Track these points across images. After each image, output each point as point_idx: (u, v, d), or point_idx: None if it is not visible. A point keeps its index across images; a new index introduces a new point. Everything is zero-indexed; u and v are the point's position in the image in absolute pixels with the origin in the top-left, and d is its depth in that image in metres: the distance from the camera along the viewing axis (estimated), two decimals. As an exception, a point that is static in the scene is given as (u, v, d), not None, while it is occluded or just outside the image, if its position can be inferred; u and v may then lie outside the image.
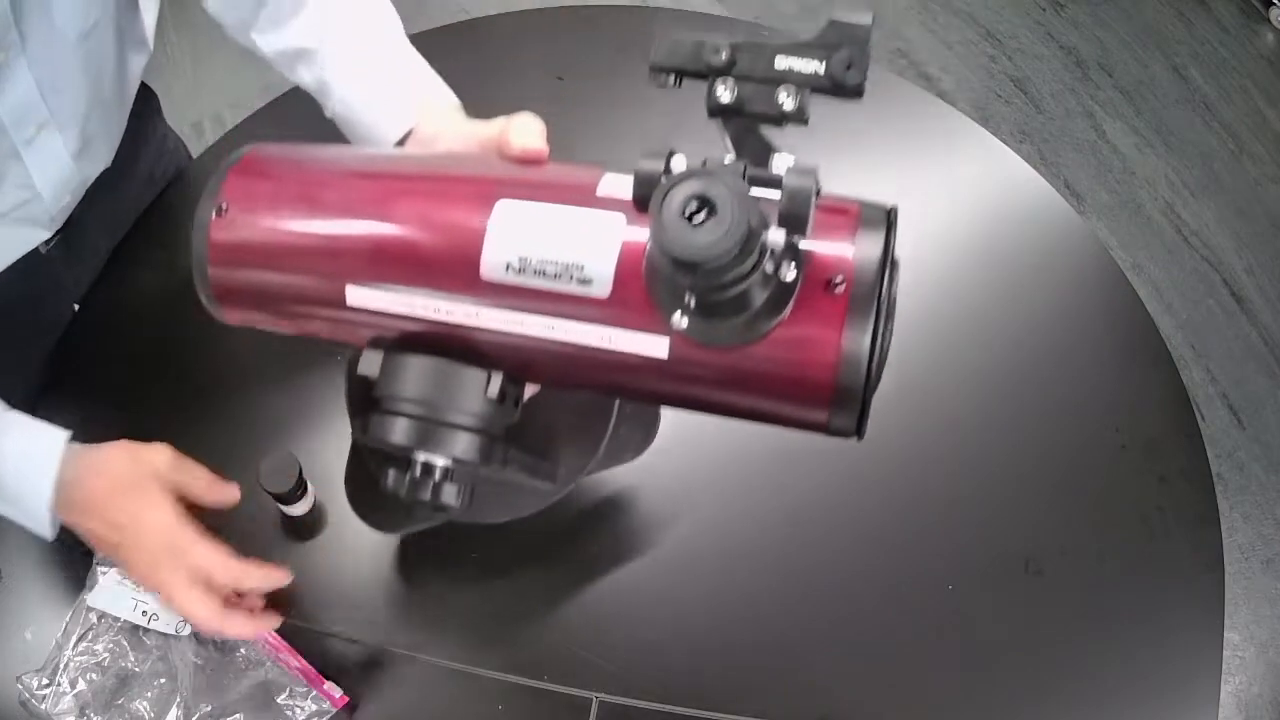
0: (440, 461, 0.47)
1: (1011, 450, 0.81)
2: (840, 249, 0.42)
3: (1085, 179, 1.97)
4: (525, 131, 0.54)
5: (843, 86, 0.39)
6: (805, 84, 0.39)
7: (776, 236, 0.38)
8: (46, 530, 0.67)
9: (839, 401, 0.42)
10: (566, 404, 0.60)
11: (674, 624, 0.75)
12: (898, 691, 0.72)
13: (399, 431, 0.47)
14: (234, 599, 0.67)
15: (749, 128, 0.41)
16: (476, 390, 0.46)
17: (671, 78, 0.42)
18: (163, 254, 0.95)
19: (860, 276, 0.41)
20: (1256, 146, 2.01)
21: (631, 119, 1.02)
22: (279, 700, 0.69)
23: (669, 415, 0.80)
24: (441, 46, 1.09)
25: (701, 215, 0.36)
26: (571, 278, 0.43)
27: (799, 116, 0.39)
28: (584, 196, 0.46)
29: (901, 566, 0.76)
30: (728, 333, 0.42)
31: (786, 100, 0.39)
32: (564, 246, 0.44)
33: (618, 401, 0.62)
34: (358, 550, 0.76)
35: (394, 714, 0.72)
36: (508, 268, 0.44)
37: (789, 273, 0.41)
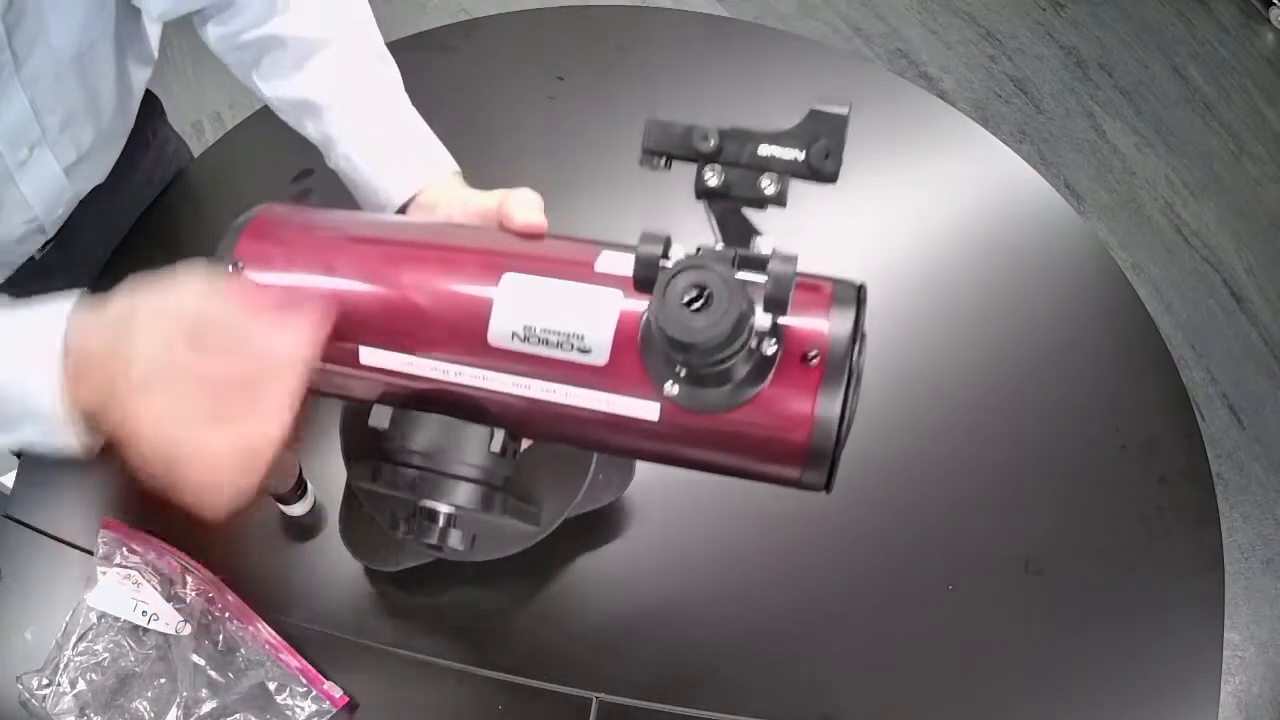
0: (444, 509, 0.51)
1: (1011, 450, 0.81)
2: (815, 324, 0.46)
3: (1085, 179, 1.97)
4: (525, 206, 0.57)
5: (820, 173, 0.43)
6: (786, 170, 0.43)
7: (762, 320, 0.43)
8: (70, 439, 0.52)
9: (812, 461, 0.47)
10: (549, 453, 0.65)
11: (674, 624, 0.75)
12: (898, 691, 0.72)
13: (408, 482, 0.51)
14: None
15: (733, 209, 0.45)
16: (480, 445, 0.51)
17: (662, 161, 0.45)
18: (162, 255, 0.95)
19: (834, 350, 0.46)
20: (1256, 146, 2.01)
21: (631, 119, 1.02)
22: (279, 700, 0.70)
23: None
24: (441, 46, 1.09)
25: (699, 303, 0.40)
26: (572, 346, 0.47)
27: (779, 200, 0.44)
28: (584, 272, 0.50)
29: (901, 566, 0.76)
30: (713, 400, 0.46)
31: (769, 186, 0.43)
32: (566, 318, 0.48)
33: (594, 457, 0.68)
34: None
35: (394, 714, 0.72)
36: (513, 336, 0.48)
37: (770, 347, 0.45)
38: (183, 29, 0.83)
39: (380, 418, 0.52)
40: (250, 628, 0.72)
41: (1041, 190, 0.96)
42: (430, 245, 0.55)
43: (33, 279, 0.83)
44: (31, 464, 0.82)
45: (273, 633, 0.72)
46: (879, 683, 0.72)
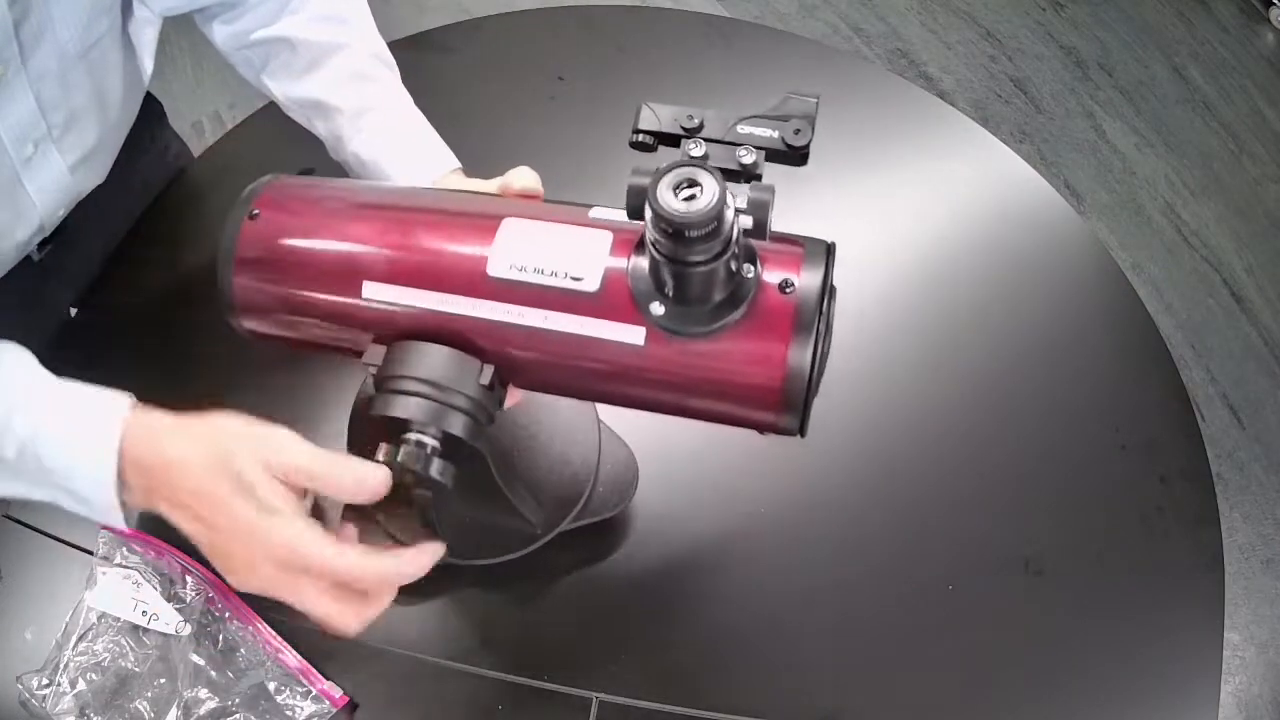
0: (431, 440, 0.52)
1: (1011, 450, 0.81)
2: (791, 263, 0.51)
3: (1085, 179, 1.97)
4: (524, 176, 0.62)
5: (792, 148, 0.48)
6: (762, 145, 0.48)
7: (744, 221, 0.47)
8: (122, 525, 0.57)
9: (789, 391, 0.50)
10: (552, 463, 0.72)
11: (674, 624, 0.75)
12: (898, 691, 0.72)
13: (399, 407, 0.52)
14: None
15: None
16: (471, 375, 0.53)
17: (650, 139, 0.50)
18: (163, 254, 0.95)
19: (807, 282, 0.50)
20: (1256, 146, 2.01)
21: (631, 120, 1.02)
22: (279, 700, 0.70)
23: (667, 423, 0.80)
24: (441, 46, 1.09)
25: (689, 190, 0.45)
26: (565, 275, 0.51)
27: (754, 172, 0.48)
28: (578, 218, 0.54)
29: (901, 567, 0.76)
30: (695, 321, 0.50)
31: (745, 156, 0.48)
32: (558, 251, 0.52)
33: (599, 459, 0.73)
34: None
35: (394, 714, 0.72)
36: (511, 267, 0.52)
37: (749, 271, 0.50)
38: (183, 28, 0.83)
39: (374, 355, 0.54)
40: (250, 628, 0.72)
41: (1041, 190, 0.96)
42: (437, 197, 0.60)
43: (30, 279, 0.83)
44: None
45: (273, 633, 0.72)
46: (879, 683, 0.72)
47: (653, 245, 0.47)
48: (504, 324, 0.52)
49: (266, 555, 0.51)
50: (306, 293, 0.56)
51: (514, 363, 0.54)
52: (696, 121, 0.49)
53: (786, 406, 0.51)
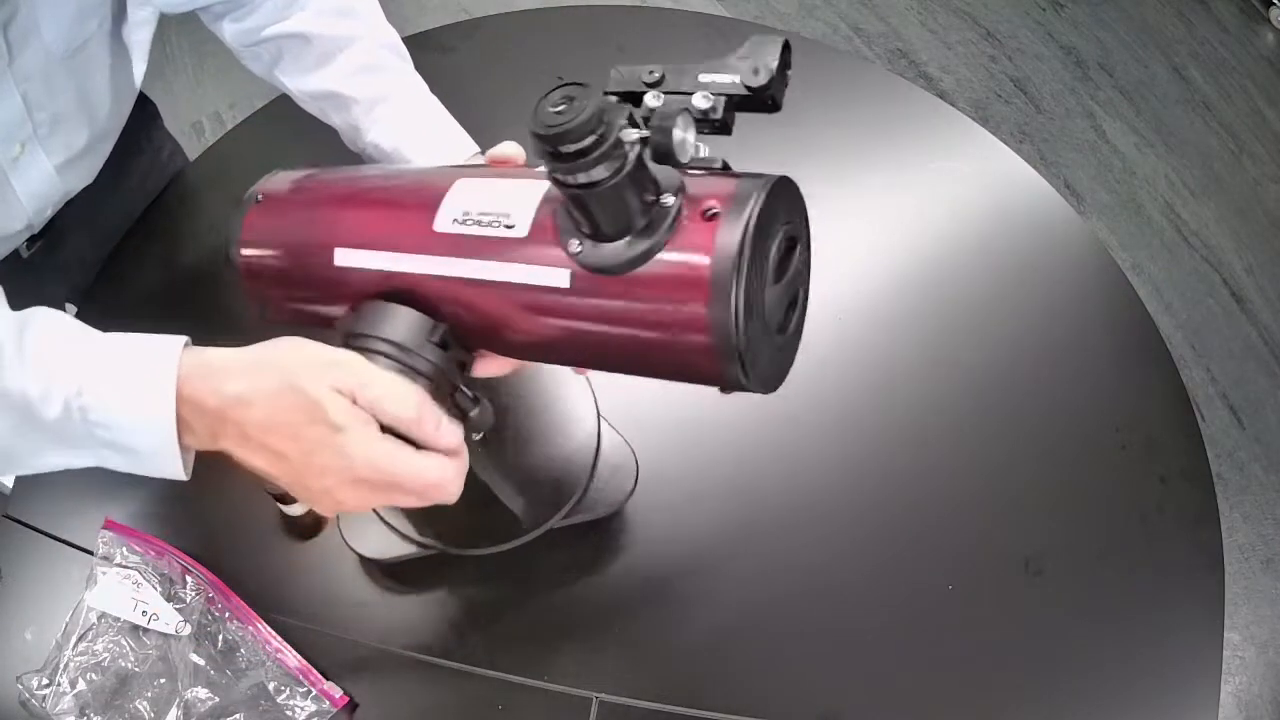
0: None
1: (1011, 450, 0.81)
2: (722, 192, 0.47)
3: (1085, 179, 1.97)
4: (507, 146, 0.62)
5: (751, 89, 0.45)
6: (723, 91, 0.46)
7: (630, 135, 0.44)
8: (179, 473, 0.55)
9: (714, 316, 0.46)
10: (548, 456, 0.72)
11: (674, 624, 0.75)
12: (898, 691, 0.72)
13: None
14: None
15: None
16: (423, 333, 0.53)
17: (617, 99, 0.48)
18: (162, 253, 0.95)
19: (733, 207, 0.46)
20: (1256, 146, 2.01)
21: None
22: (279, 700, 0.70)
23: (668, 423, 0.80)
24: (441, 46, 1.09)
25: (562, 105, 0.43)
26: (499, 224, 0.51)
27: (715, 119, 0.46)
28: (525, 174, 0.54)
29: (902, 566, 0.76)
30: (613, 255, 0.48)
31: (701, 102, 0.46)
32: (497, 201, 0.52)
33: (596, 455, 0.73)
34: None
35: (394, 714, 0.72)
36: (454, 221, 0.52)
37: (669, 200, 0.47)
38: (184, 28, 0.83)
39: (344, 321, 0.55)
40: (250, 628, 0.72)
41: (1041, 190, 0.96)
42: (411, 171, 0.62)
43: (18, 276, 0.83)
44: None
45: (273, 633, 0.72)
46: (879, 682, 0.72)
47: (550, 173, 0.46)
48: (447, 277, 0.52)
49: (344, 476, 0.50)
50: (296, 266, 0.58)
51: (461, 318, 0.54)
52: (657, 75, 0.47)
53: (719, 348, 0.47)
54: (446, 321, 0.54)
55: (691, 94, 0.46)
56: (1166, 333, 1.77)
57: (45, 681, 0.70)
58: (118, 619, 0.71)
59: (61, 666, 0.70)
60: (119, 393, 0.52)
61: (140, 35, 0.78)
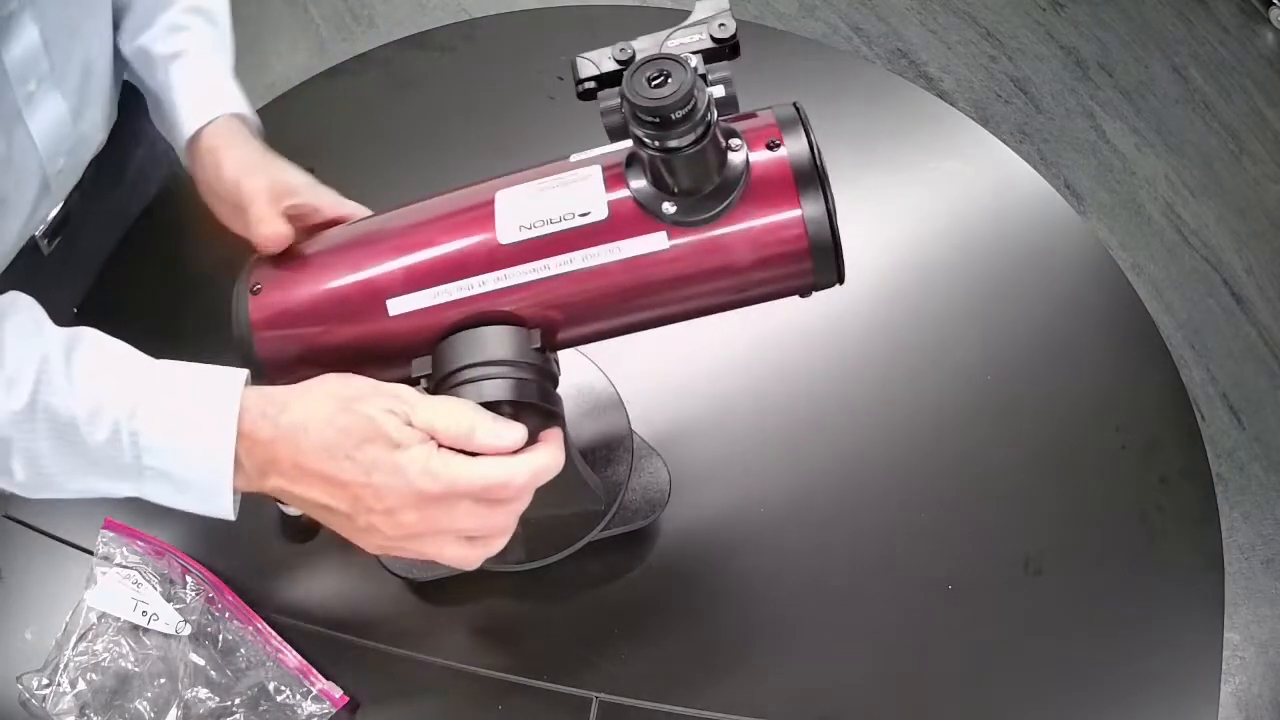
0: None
1: (1011, 450, 0.81)
2: (766, 127, 0.54)
3: (1085, 179, 1.97)
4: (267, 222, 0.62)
5: (719, 41, 0.51)
6: (696, 50, 0.51)
7: (716, 89, 0.50)
8: (228, 512, 0.55)
9: (812, 220, 0.52)
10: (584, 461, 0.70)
11: (674, 624, 0.75)
12: (898, 691, 0.72)
13: (476, 394, 0.53)
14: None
15: None
16: (523, 344, 0.54)
17: (594, 84, 0.53)
18: (158, 257, 0.95)
19: (788, 131, 0.54)
20: (1256, 146, 2.01)
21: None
22: (279, 700, 0.70)
23: (668, 422, 0.80)
24: (441, 46, 1.09)
25: (659, 79, 0.47)
26: (573, 215, 0.53)
27: (698, 74, 0.49)
28: (562, 168, 0.56)
29: (901, 567, 0.76)
30: (707, 206, 0.52)
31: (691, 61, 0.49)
32: (559, 197, 0.54)
33: (630, 467, 0.72)
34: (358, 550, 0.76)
35: (394, 714, 0.72)
36: (520, 228, 0.54)
37: (737, 145, 0.52)
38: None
39: (421, 367, 0.55)
40: (250, 628, 0.72)
41: (1041, 190, 0.96)
42: (421, 205, 0.60)
43: (37, 273, 0.83)
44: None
45: (273, 633, 0.72)
46: (879, 683, 0.72)
47: (644, 145, 0.49)
48: (535, 282, 0.54)
49: (405, 493, 0.50)
50: (336, 339, 0.57)
51: (556, 317, 0.55)
52: (629, 52, 0.52)
53: (820, 249, 0.52)
54: (536, 325, 0.55)
55: (665, 59, 0.49)
56: (1166, 333, 1.77)
57: (45, 681, 0.70)
58: (118, 619, 0.71)
59: (61, 666, 0.70)
60: (178, 420, 0.52)
61: None
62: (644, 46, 0.52)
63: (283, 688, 0.70)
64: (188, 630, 0.71)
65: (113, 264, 0.94)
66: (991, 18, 2.20)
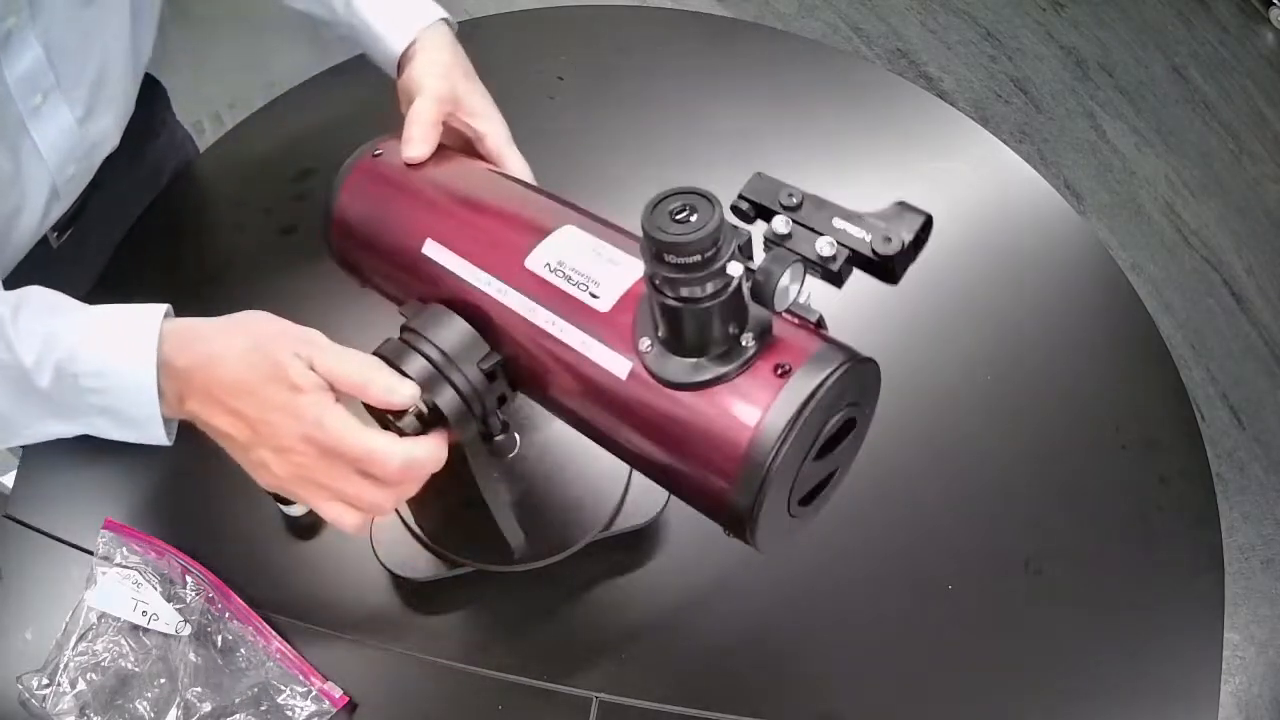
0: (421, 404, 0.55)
1: (1011, 450, 0.81)
2: (803, 346, 0.47)
3: (1085, 179, 1.97)
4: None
5: (879, 256, 0.44)
6: (849, 245, 0.44)
7: (735, 269, 0.44)
8: (162, 438, 0.58)
9: (744, 475, 0.46)
10: (583, 470, 0.72)
11: (674, 624, 0.75)
12: (898, 691, 0.72)
13: (404, 359, 0.54)
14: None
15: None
16: (474, 356, 0.55)
17: (749, 207, 0.47)
18: (169, 249, 0.95)
19: (806, 372, 0.46)
20: (1256, 146, 2.01)
21: (631, 119, 1.02)
22: (279, 700, 0.70)
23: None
24: (441, 46, 1.09)
25: (684, 214, 0.43)
26: (586, 289, 0.52)
27: (832, 269, 0.44)
28: (628, 242, 0.55)
29: (902, 566, 0.76)
30: (679, 370, 0.48)
31: (825, 249, 0.44)
32: (593, 264, 0.53)
33: (629, 471, 0.72)
34: (358, 550, 0.76)
35: (394, 714, 0.72)
36: (545, 265, 0.54)
37: (749, 341, 0.47)
38: (184, 29, 0.83)
39: (410, 309, 0.58)
40: (250, 628, 0.72)
41: (1041, 190, 0.96)
42: (520, 190, 0.63)
43: (48, 265, 0.83)
44: (31, 464, 0.82)
45: (273, 633, 0.72)
46: (879, 683, 0.72)
47: (647, 273, 0.46)
48: (520, 316, 0.54)
49: (295, 434, 0.53)
50: (383, 230, 0.61)
51: (517, 358, 0.55)
52: (796, 200, 0.46)
53: (736, 502, 0.47)
54: (504, 355, 0.55)
55: (821, 233, 0.45)
56: (1166, 333, 1.77)
57: (45, 681, 0.70)
58: (118, 619, 0.71)
59: (61, 666, 0.70)
60: (106, 354, 0.56)
61: None
62: (814, 202, 0.46)
63: (283, 688, 0.70)
64: (188, 630, 0.71)
65: (122, 254, 0.95)
66: (991, 18, 2.20)
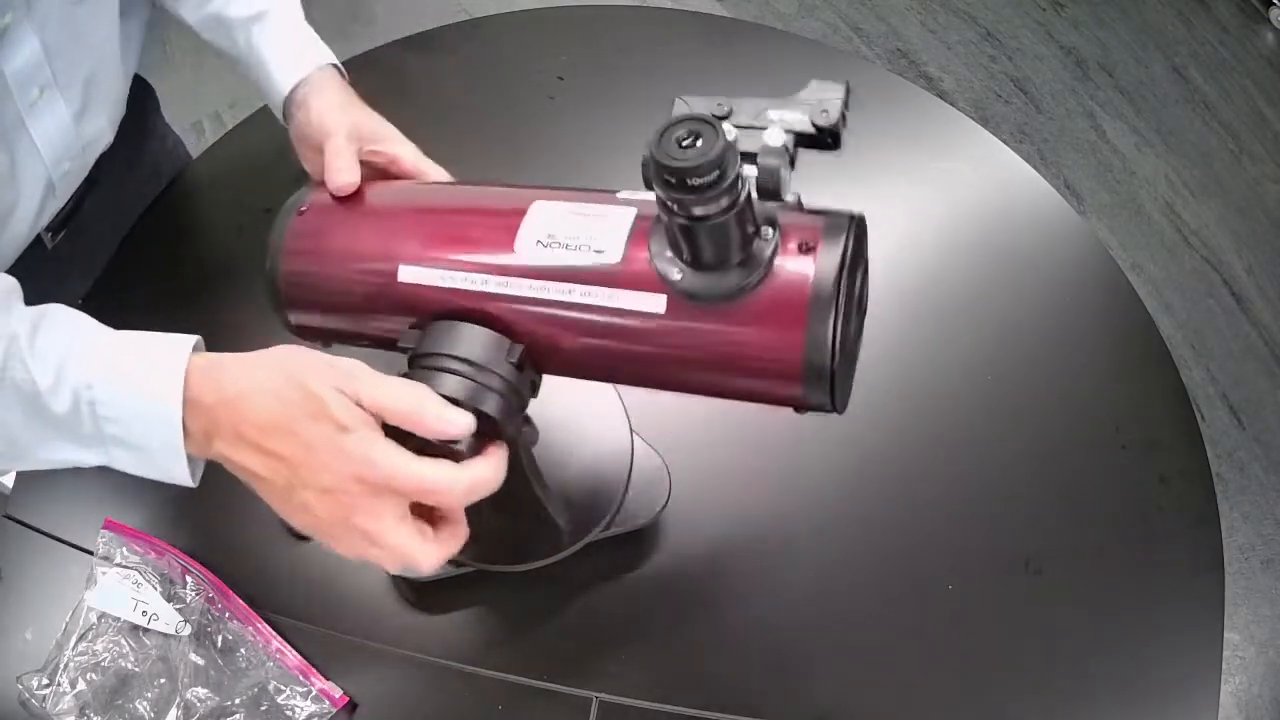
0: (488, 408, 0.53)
1: (1011, 450, 0.81)
2: (811, 228, 0.50)
3: (1085, 179, 1.97)
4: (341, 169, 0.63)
5: (820, 129, 0.48)
6: (792, 129, 0.48)
7: (749, 171, 0.46)
8: (186, 478, 0.54)
9: (812, 345, 0.48)
10: (580, 474, 0.72)
11: (674, 624, 0.75)
12: (898, 691, 0.72)
13: (436, 383, 0.52)
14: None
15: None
16: (501, 354, 0.53)
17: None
18: (168, 250, 0.95)
19: (828, 238, 0.49)
20: (1256, 146, 2.01)
21: (631, 119, 1.02)
22: (279, 700, 0.70)
23: (668, 423, 0.80)
24: (441, 46, 1.10)
25: (689, 140, 0.44)
26: (588, 248, 0.52)
27: (789, 155, 0.47)
28: (604, 198, 0.55)
29: (901, 566, 0.76)
30: (714, 286, 0.49)
31: (776, 139, 0.47)
32: (585, 227, 0.53)
33: (630, 468, 0.72)
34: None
35: (394, 714, 0.72)
36: (537, 243, 0.53)
37: (768, 234, 0.49)
38: (183, 29, 0.84)
39: (409, 339, 0.56)
40: (250, 628, 0.72)
41: (1041, 190, 0.96)
42: (469, 189, 0.62)
43: (43, 268, 0.84)
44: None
45: (273, 633, 0.72)
46: (879, 683, 0.72)
47: (662, 203, 0.47)
48: (531, 299, 0.53)
49: (343, 474, 0.49)
50: (347, 280, 0.58)
51: (542, 340, 0.54)
52: (727, 109, 0.49)
53: (813, 376, 0.49)
54: (522, 342, 0.54)
55: (763, 128, 0.47)
56: (1166, 333, 1.77)
57: (45, 681, 0.70)
58: (118, 619, 0.71)
59: (61, 666, 0.70)
60: (128, 386, 0.52)
61: None
62: (743, 107, 0.50)
63: (283, 688, 0.70)
64: (188, 630, 0.71)
65: (119, 257, 0.95)
66: (991, 18, 2.20)
